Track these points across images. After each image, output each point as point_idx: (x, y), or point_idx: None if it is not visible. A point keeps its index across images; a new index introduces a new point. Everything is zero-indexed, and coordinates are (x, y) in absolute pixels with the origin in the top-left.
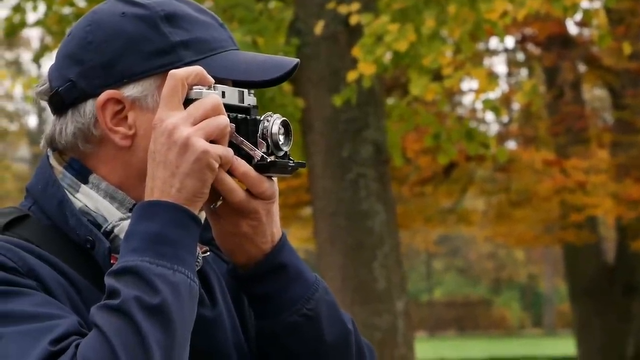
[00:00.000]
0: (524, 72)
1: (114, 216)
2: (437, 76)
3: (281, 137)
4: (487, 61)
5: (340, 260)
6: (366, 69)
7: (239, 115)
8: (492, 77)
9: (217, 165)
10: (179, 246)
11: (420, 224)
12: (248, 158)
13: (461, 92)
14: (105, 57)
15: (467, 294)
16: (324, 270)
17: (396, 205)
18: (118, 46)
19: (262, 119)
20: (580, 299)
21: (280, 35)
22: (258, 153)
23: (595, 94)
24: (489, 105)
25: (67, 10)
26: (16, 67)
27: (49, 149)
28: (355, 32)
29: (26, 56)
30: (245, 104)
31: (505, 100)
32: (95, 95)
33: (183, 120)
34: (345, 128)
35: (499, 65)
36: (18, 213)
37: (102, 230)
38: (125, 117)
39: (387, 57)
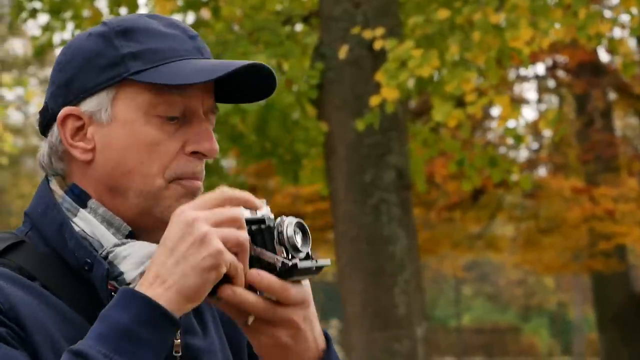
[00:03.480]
0: (555, 99)
1: (109, 242)
2: (460, 102)
3: (298, 239)
4: (517, 88)
5: (360, 286)
6: (389, 94)
7: (253, 226)
8: (515, 104)
9: (224, 270)
10: (143, 345)
11: (447, 249)
12: (271, 267)
13: (491, 118)
14: (66, 76)
15: (496, 320)
16: (345, 294)
17: (421, 230)
18: (77, 64)
19: (275, 225)
20: (608, 328)
21: (306, 59)
22: (279, 260)
23: (626, 122)
24: (511, 133)
25: None
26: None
27: (50, 175)
28: (379, 57)
29: None
30: (259, 216)
31: (535, 127)
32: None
33: (205, 217)
34: (368, 153)
35: (530, 92)
36: (14, 239)
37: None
38: (86, 133)
39: (411, 82)
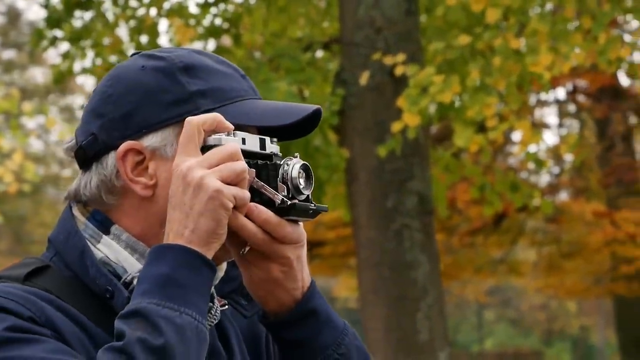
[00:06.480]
0: (575, 123)
1: (133, 267)
2: (481, 127)
3: (301, 181)
4: (538, 112)
5: (383, 311)
6: (411, 119)
7: (260, 160)
8: (536, 129)
9: (231, 205)
10: (189, 289)
11: (470, 274)
12: (270, 202)
13: (512, 143)
14: (124, 109)
15: (519, 345)
16: (367, 320)
17: (443, 255)
18: (136, 98)
19: (281, 163)
20: (631, 352)
21: (327, 85)
22: (278, 197)
23: None
24: (532, 158)
25: (114, 58)
26: (69, 114)
27: (72, 201)
28: (400, 83)
29: (79, 102)
30: (267, 151)
31: (556, 151)
32: (115, 147)
33: (198, 163)
34: (390, 179)
35: (550, 117)
36: (39, 264)
37: (121, 281)
38: (147, 168)
39: (432, 108)
